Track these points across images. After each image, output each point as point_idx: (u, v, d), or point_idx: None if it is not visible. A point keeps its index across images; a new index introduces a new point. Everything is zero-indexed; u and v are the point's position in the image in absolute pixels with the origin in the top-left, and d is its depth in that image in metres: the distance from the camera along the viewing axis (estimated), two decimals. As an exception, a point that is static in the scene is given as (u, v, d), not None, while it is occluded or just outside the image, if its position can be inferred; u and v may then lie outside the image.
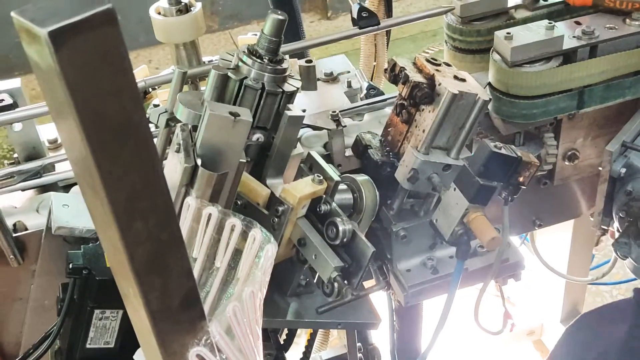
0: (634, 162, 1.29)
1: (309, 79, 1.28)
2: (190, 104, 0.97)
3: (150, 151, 0.53)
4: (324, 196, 0.99)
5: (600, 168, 1.30)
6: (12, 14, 0.49)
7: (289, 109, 1.01)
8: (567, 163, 1.42)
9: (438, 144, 1.12)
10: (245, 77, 1.00)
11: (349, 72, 1.45)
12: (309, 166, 1.04)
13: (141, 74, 1.31)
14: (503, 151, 1.00)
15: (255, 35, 1.35)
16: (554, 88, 1.21)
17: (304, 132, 1.27)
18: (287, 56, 1.05)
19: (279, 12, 1.00)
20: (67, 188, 1.19)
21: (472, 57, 1.36)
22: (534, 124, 1.28)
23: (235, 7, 4.86)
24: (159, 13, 1.23)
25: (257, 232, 0.83)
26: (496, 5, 1.34)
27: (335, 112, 1.22)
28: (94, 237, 1.05)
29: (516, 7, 1.36)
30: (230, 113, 0.87)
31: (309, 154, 1.05)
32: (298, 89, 1.04)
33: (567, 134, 1.37)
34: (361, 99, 1.37)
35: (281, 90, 1.01)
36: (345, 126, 1.21)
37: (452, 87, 1.08)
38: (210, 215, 0.84)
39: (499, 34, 1.21)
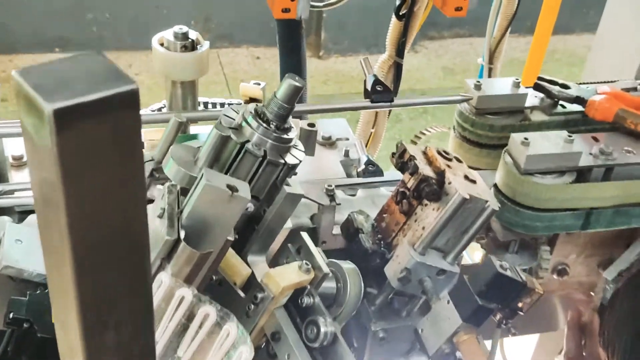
0: (627, 293, 1.23)
1: (308, 144, 1.19)
2: (182, 161, 0.87)
3: (144, 268, 0.43)
4: (309, 287, 0.90)
5: (590, 294, 1.24)
6: (13, 73, 0.39)
7: (288, 184, 0.92)
8: (555, 277, 1.35)
9: (436, 244, 1.04)
10: (247, 141, 0.91)
11: (347, 139, 1.37)
12: (297, 248, 0.95)
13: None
14: (509, 273, 0.93)
15: (259, 84, 1.26)
16: (562, 204, 1.15)
17: (292, 199, 1.18)
18: (294, 125, 0.96)
19: (297, 79, 0.91)
20: (23, 214, 1.08)
21: (479, 151, 1.30)
22: (534, 235, 1.21)
23: (229, 28, 4.77)
24: (162, 44, 1.13)
25: (233, 328, 0.73)
26: (515, 103, 1.28)
27: (331, 186, 1.13)
28: (43, 283, 0.93)
29: (533, 108, 1.30)
30: (228, 186, 0.77)
31: (299, 234, 0.95)
32: (301, 161, 0.95)
33: (562, 248, 1.31)
34: (357, 172, 1.28)
35: (283, 161, 0.92)
36: (339, 204, 1.12)
37: (463, 188, 1.00)
38: (182, 298, 0.74)
39: (516, 138, 1.14)
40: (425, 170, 1.03)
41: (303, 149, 0.97)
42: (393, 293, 1.06)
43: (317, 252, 0.92)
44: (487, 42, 1.65)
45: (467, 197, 0.98)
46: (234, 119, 0.94)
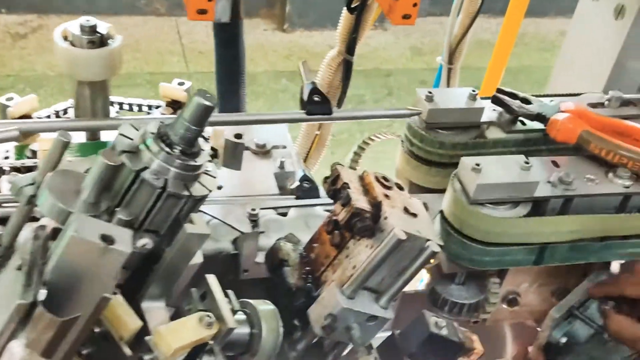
0: (578, 332, 1.12)
1: (234, 157, 1.05)
2: (60, 192, 0.72)
3: None
4: (211, 343, 0.76)
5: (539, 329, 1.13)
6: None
7: (191, 221, 0.78)
8: (505, 306, 1.24)
9: (369, 285, 0.91)
10: (145, 168, 0.76)
11: (285, 147, 1.23)
12: (201, 294, 0.81)
13: (25, 106, 1.05)
14: (444, 332, 0.81)
15: (183, 84, 1.11)
16: (514, 239, 1.03)
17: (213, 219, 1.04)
18: (205, 147, 0.81)
19: (208, 96, 0.76)
20: None
21: (428, 169, 1.17)
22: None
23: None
24: (66, 38, 0.97)
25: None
26: (470, 117, 1.15)
27: (254, 210, 0.99)
28: None
29: (490, 124, 1.17)
30: (103, 237, 0.63)
31: (204, 277, 0.81)
32: (210, 191, 0.81)
33: (513, 277, 1.19)
34: (290, 187, 1.14)
35: (187, 194, 0.78)
36: (262, 232, 0.99)
37: (401, 225, 0.87)
38: (39, 374, 0.60)
39: (467, 162, 1.01)
40: (359, 201, 0.90)
41: (215, 175, 0.83)
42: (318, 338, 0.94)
43: (223, 301, 0.79)
44: (446, 41, 1.51)
45: (404, 237, 0.85)
46: (132, 139, 0.79)
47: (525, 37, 5.38)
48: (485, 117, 1.18)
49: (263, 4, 4.87)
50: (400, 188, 0.97)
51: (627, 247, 1.10)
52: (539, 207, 1.05)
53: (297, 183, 1.10)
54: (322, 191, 1.14)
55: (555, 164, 1.09)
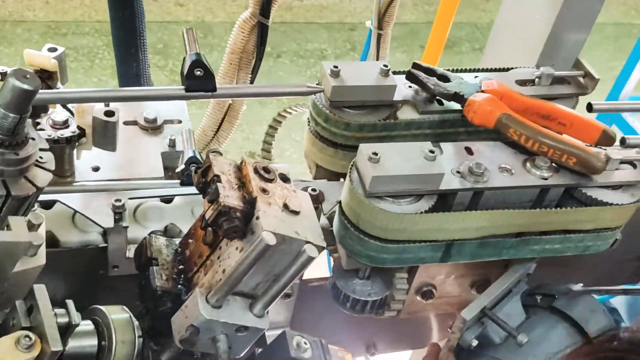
0: (491, 335, 1.04)
1: (106, 137, 0.93)
2: None
3: None
4: (32, 367, 0.66)
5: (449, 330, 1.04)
6: None
7: (8, 227, 0.66)
8: (419, 299, 1.15)
9: (241, 290, 0.81)
10: (-49, 162, 0.64)
11: (180, 121, 1.11)
12: (28, 307, 0.70)
13: None
14: (307, 355, 0.71)
15: (55, 50, 0.98)
16: (416, 235, 0.92)
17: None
18: (35, 136, 0.69)
19: (27, 77, 0.64)
20: None
21: (334, 152, 1.05)
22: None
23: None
24: None
25: None
26: (379, 96, 1.03)
27: (119, 201, 0.87)
28: None
29: (404, 102, 1.06)
30: None
31: (32, 288, 0.70)
32: (40, 190, 0.69)
33: (425, 269, 1.10)
34: (176, 171, 1.03)
35: (5, 192, 0.66)
36: (126, 226, 0.87)
37: (274, 225, 0.77)
38: None
39: (364, 150, 0.90)
40: (229, 198, 0.79)
41: (52, 168, 0.71)
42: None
43: (50, 317, 0.68)
44: (375, 4, 1.38)
45: (272, 242, 0.74)
46: (-57, 126, 0.67)
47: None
48: (399, 96, 1.06)
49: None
50: (285, 179, 0.86)
51: (543, 243, 1.00)
52: (445, 200, 0.95)
53: (182, 166, 0.98)
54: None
55: (469, 151, 0.98)
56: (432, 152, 0.91)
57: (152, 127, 1.07)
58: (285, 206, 0.81)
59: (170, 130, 1.08)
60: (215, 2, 4.31)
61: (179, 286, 0.85)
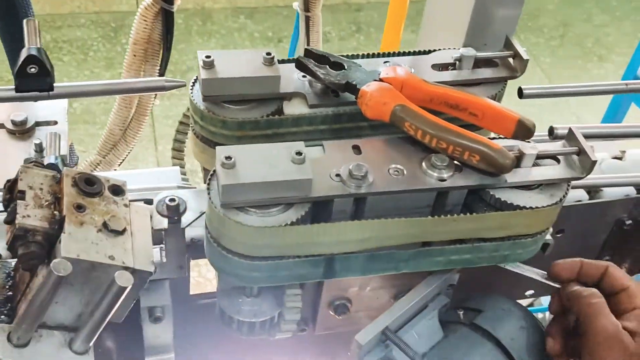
0: (396, 358, 0.90)
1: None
2: None
3: None
4: None
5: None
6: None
7: None
8: (331, 313, 1.03)
9: (58, 322, 0.70)
10: None
11: (56, 123, 1.00)
12: None
13: None
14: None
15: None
16: (286, 251, 0.80)
17: None
18: None
19: None
20: None
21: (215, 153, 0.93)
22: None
23: None
24: None
25: None
26: (260, 89, 0.90)
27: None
28: None
29: (294, 95, 0.93)
30: None
31: None
32: None
33: (334, 281, 0.97)
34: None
35: None
36: (-58, 250, 0.77)
37: (76, 252, 0.65)
38: None
39: (219, 153, 0.77)
40: (29, 218, 0.67)
41: None
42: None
43: None
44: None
45: (63, 272, 0.63)
46: None
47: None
48: (292, 87, 0.93)
49: None
50: (117, 192, 0.74)
51: (448, 254, 0.87)
52: (324, 209, 0.82)
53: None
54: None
55: (356, 149, 0.85)
56: (299, 153, 0.78)
57: (20, 131, 0.97)
58: (105, 225, 0.69)
59: (43, 132, 0.98)
60: (217, -13, 4.20)
61: (2, 317, 0.74)
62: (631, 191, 1.06)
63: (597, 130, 0.99)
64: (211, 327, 1.02)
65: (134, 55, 1.20)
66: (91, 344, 0.71)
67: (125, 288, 0.65)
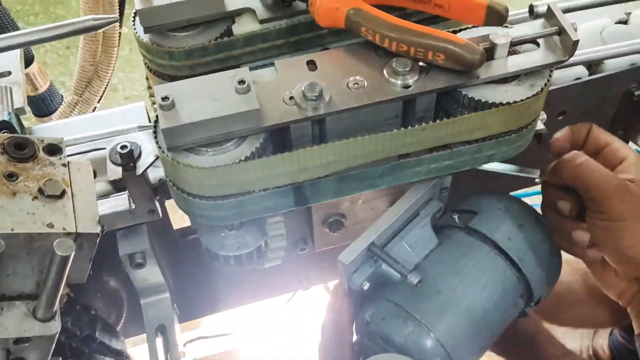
0: (387, 272, 0.86)
1: None
2: None
3: None
4: None
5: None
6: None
7: None
8: (327, 230, 0.99)
9: (16, 291, 0.68)
10: None
11: (9, 73, 0.95)
12: None
13: None
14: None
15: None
16: (246, 187, 0.75)
17: None
18: None
19: None
20: None
21: (173, 85, 0.87)
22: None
23: None
24: None
25: None
26: (203, 10, 0.82)
27: None
28: None
29: (242, 11, 0.85)
30: None
31: None
32: None
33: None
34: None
35: None
36: None
37: (9, 225, 0.62)
38: None
39: (158, 92, 0.72)
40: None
41: None
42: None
43: None
44: None
45: (-2, 252, 0.60)
46: None
47: None
48: (239, 3, 0.85)
49: None
50: (54, 151, 0.70)
51: (426, 163, 0.80)
52: (282, 136, 0.76)
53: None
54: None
55: (311, 65, 0.78)
56: (242, 82, 0.72)
57: (-27, 89, 0.93)
58: (41, 191, 0.66)
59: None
60: None
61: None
62: (638, 59, 0.96)
63: (585, 2, 0.87)
64: (203, 260, 1.00)
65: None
66: (55, 309, 0.69)
67: (68, 256, 0.62)
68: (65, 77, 2.74)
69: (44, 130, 0.95)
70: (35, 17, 3.24)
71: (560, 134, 0.86)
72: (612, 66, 0.96)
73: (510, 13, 0.79)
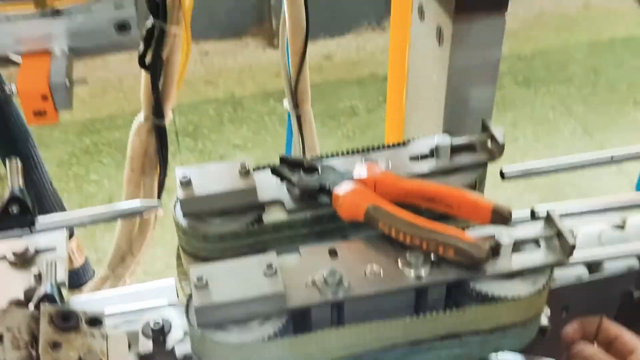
0: None
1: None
2: None
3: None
4: None
5: None
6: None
7: None
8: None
9: None
10: None
11: (55, 249, 1.04)
12: None
13: None
14: None
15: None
16: (268, 365, 0.80)
17: None
18: None
19: None
20: None
21: (203, 266, 0.95)
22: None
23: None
24: None
25: None
26: (238, 201, 0.92)
27: None
28: None
29: (274, 201, 0.95)
30: None
31: None
32: None
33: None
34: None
35: None
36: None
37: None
38: None
39: (191, 274, 0.79)
40: (4, 361, 0.70)
41: None
42: None
43: None
44: (285, 82, 1.28)
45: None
46: None
47: (543, 17, 5.01)
48: (270, 195, 0.95)
49: (253, 21, 4.68)
50: (94, 323, 0.76)
51: (437, 349, 0.85)
52: (303, 317, 0.82)
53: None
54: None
55: (333, 253, 0.86)
56: (270, 266, 0.79)
57: (21, 261, 1.01)
58: (80, 360, 0.71)
59: (41, 261, 1.01)
60: (245, 74, 4.32)
61: None
62: (634, 262, 1.03)
63: (584, 208, 0.96)
64: None
65: (132, 170, 1.25)
66: None
67: None
68: (90, 250, 2.85)
69: (80, 301, 1.02)
70: (69, 195, 3.42)
71: (570, 327, 0.97)
72: (611, 268, 1.03)
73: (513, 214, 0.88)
